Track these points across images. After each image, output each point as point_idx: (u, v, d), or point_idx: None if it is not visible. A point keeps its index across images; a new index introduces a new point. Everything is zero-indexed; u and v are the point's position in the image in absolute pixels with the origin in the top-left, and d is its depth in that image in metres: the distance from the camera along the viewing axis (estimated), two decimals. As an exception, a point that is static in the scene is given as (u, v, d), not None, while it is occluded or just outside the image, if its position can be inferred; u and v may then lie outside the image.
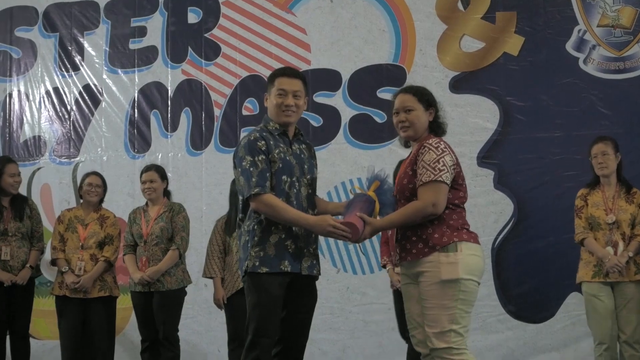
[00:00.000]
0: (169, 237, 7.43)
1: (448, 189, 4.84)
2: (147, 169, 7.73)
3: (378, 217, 5.04)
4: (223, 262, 7.33)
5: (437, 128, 5.16)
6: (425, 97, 5.16)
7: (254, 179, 4.91)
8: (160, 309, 7.35)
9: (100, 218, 7.75)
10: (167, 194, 7.73)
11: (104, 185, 7.87)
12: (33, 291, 7.91)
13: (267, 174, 4.96)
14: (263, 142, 5.03)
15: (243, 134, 9.34)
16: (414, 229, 4.90)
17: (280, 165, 5.03)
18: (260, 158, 4.96)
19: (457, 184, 4.93)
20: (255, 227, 4.98)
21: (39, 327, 9.31)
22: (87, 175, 7.92)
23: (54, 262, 7.60)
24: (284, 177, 5.03)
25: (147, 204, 7.70)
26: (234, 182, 6.24)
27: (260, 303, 4.93)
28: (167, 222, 7.43)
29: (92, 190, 7.74)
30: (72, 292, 7.45)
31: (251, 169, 4.93)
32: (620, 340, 6.81)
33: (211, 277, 7.38)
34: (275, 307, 4.94)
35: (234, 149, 5.09)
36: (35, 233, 7.93)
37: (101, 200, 7.89)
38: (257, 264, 4.94)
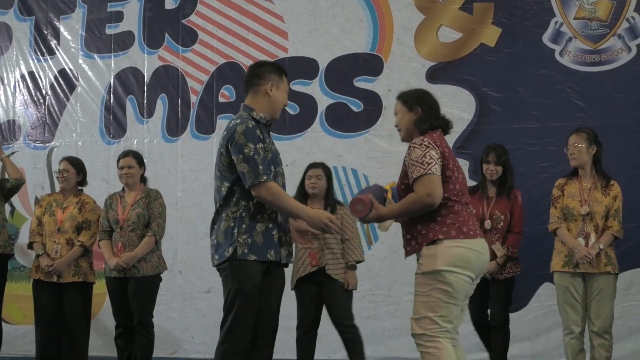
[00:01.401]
0: (145, 223, 7.38)
1: (440, 179, 4.97)
2: (125, 154, 7.65)
3: None
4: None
5: (422, 125, 5.24)
6: (406, 99, 5.32)
7: (260, 167, 4.94)
8: (135, 294, 7.32)
9: (79, 202, 7.67)
10: (144, 180, 7.69)
11: (77, 171, 7.75)
12: (5, 276, 7.86)
13: (267, 163, 5.02)
14: (259, 131, 5.08)
15: (219, 121, 9.35)
16: (407, 227, 5.12)
17: (270, 156, 5.11)
18: (260, 146, 5.00)
19: (446, 177, 5.02)
20: (244, 214, 5.00)
21: (12, 311, 9.27)
22: (60, 160, 7.87)
23: (30, 246, 7.54)
24: (272, 167, 5.10)
25: (123, 189, 7.64)
26: None
27: (243, 290, 4.97)
28: (144, 209, 7.38)
29: (60, 177, 7.69)
30: (46, 276, 7.39)
31: (255, 156, 4.95)
32: (590, 330, 6.87)
33: None
34: (256, 294, 5.01)
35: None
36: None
37: (80, 184, 7.80)
38: (245, 251, 4.97)
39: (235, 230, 4.99)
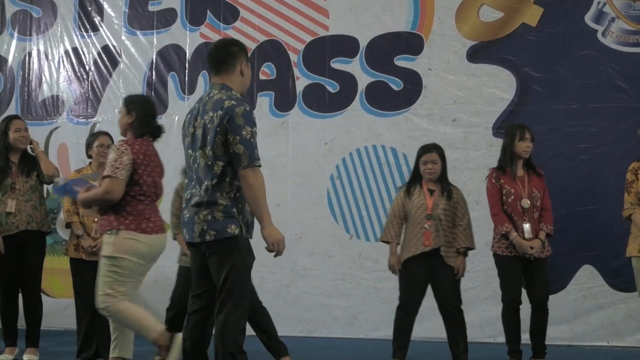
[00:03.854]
0: None
1: (123, 182, 5.82)
2: None
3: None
4: (401, 228, 7.22)
5: (136, 129, 6.04)
6: (127, 102, 6.16)
7: (256, 151, 5.04)
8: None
9: None
10: None
11: None
12: (44, 250, 7.94)
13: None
14: (253, 115, 5.15)
15: (260, 98, 9.39)
16: (101, 212, 5.99)
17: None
18: (255, 130, 5.09)
19: (134, 179, 5.85)
20: (238, 194, 5.09)
21: (54, 285, 9.41)
22: (95, 135, 7.74)
23: (68, 225, 7.54)
24: None
25: None
26: None
27: (248, 265, 5.17)
28: None
29: (104, 152, 7.47)
30: (89, 255, 7.38)
31: (252, 140, 5.03)
32: None
33: (387, 242, 7.24)
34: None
35: (228, 114, 5.02)
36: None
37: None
38: (245, 230, 5.10)
39: (234, 210, 5.06)
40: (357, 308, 8.89)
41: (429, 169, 7.10)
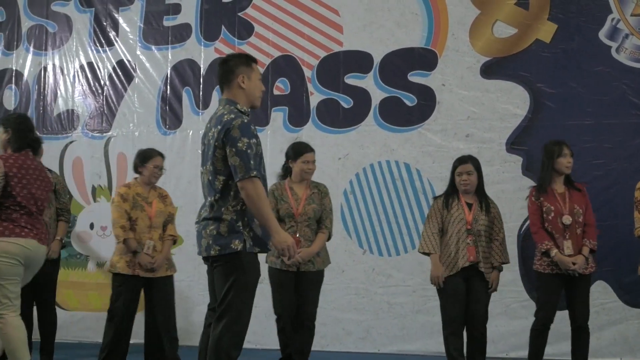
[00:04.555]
0: (318, 218, 7.31)
1: None
2: (311, 148, 7.47)
3: None
4: (439, 238, 7.14)
5: (13, 144, 6.28)
6: (3, 121, 6.43)
7: (252, 162, 5.03)
8: (309, 288, 7.24)
9: (159, 196, 7.67)
10: None
11: None
12: (59, 263, 7.97)
13: (258, 159, 5.13)
14: (253, 127, 5.19)
15: (274, 113, 9.42)
16: None
17: (261, 151, 5.25)
18: (253, 142, 5.10)
19: (7, 191, 6.09)
20: (244, 207, 5.10)
21: (68, 298, 9.46)
22: (149, 153, 7.72)
23: (124, 242, 7.48)
24: (262, 166, 5.24)
25: (283, 177, 7.49)
26: None
27: (251, 282, 5.14)
28: (318, 204, 7.31)
29: (158, 173, 7.65)
30: (146, 272, 7.38)
31: (248, 150, 5.04)
32: None
33: (427, 254, 7.20)
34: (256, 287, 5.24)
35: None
36: (63, 205, 7.98)
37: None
38: (251, 244, 5.10)
39: (239, 224, 5.08)
40: (370, 322, 8.90)
41: (464, 180, 7.08)
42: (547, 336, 7.00)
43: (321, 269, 7.32)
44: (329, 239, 7.39)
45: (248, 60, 5.43)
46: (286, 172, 7.44)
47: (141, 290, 7.51)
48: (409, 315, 8.90)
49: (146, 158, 7.61)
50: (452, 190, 7.19)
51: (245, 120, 5.12)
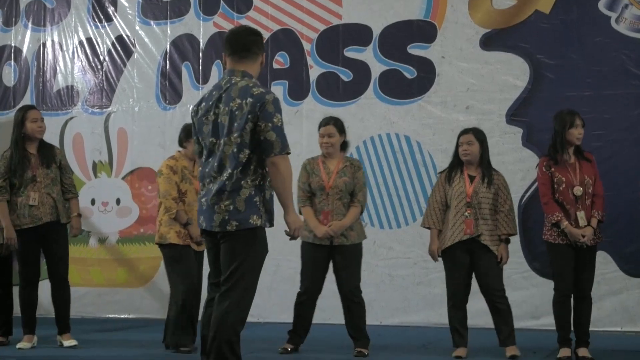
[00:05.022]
0: (350, 191, 7.27)
1: None
2: (326, 122, 7.45)
3: None
4: (443, 213, 7.19)
5: None
6: None
7: (286, 139, 5.02)
8: (344, 263, 7.25)
9: None
10: (344, 146, 7.54)
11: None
12: (67, 239, 8.00)
13: None
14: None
15: (273, 87, 9.42)
16: None
17: None
18: (282, 118, 5.08)
19: None
20: (262, 182, 5.07)
21: (70, 274, 9.47)
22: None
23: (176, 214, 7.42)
24: None
25: (324, 154, 7.46)
26: None
27: (263, 258, 5.14)
28: (350, 177, 7.26)
29: None
30: (198, 246, 7.34)
31: (282, 127, 5.02)
32: None
33: (428, 228, 7.26)
34: None
35: (259, 101, 5.01)
36: (70, 181, 7.99)
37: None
38: (265, 219, 5.09)
39: (257, 199, 5.04)
40: (371, 295, 8.90)
41: (464, 150, 7.10)
42: (570, 305, 6.99)
43: (356, 243, 7.30)
44: (361, 212, 7.35)
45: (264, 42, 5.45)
46: None
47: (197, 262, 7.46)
48: (410, 287, 8.94)
49: (191, 133, 7.55)
50: (456, 163, 7.21)
51: (276, 97, 5.08)
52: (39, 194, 7.64)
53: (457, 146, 7.19)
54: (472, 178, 7.09)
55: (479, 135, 7.17)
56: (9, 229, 7.61)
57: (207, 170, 5.14)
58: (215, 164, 5.09)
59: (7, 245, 7.71)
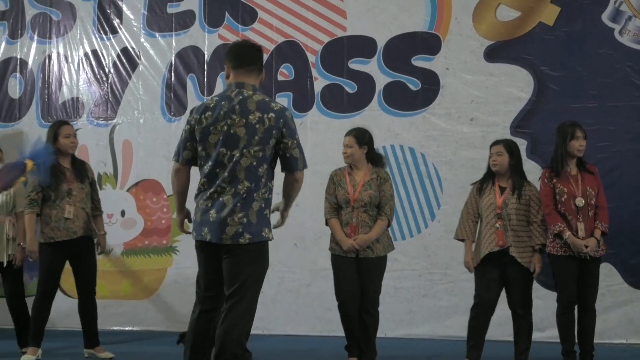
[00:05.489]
0: (376, 204, 7.24)
1: None
2: (347, 133, 7.45)
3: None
4: (475, 225, 7.23)
5: None
6: None
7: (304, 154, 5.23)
8: (368, 275, 7.23)
9: None
10: (371, 158, 7.45)
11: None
12: (95, 252, 8.03)
13: None
14: None
15: (278, 99, 9.42)
16: None
17: None
18: None
19: None
20: (269, 196, 5.18)
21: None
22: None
23: None
24: None
25: (350, 166, 7.43)
26: None
27: (266, 271, 5.26)
28: (376, 190, 7.24)
29: None
30: None
31: (300, 142, 5.22)
32: None
33: (462, 240, 7.29)
34: None
35: (282, 117, 5.07)
36: (98, 198, 8.10)
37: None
38: (271, 232, 5.20)
39: (266, 212, 5.15)
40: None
41: (493, 161, 7.13)
42: (573, 317, 7.02)
43: (382, 255, 7.28)
44: (388, 225, 7.33)
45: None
46: None
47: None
48: (415, 299, 8.94)
49: None
50: (489, 175, 7.25)
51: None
52: (74, 207, 7.72)
53: (490, 157, 7.23)
54: (502, 189, 7.11)
55: (510, 147, 7.19)
56: (32, 242, 7.71)
57: (215, 181, 5.13)
58: (226, 174, 5.09)
59: (22, 258, 7.81)
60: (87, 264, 7.85)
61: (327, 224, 7.36)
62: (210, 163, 5.15)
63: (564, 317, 7.03)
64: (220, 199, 5.10)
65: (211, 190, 5.13)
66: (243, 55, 5.29)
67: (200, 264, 5.31)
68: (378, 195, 7.22)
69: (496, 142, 7.26)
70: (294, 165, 5.14)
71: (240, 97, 5.14)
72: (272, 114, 5.09)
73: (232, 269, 5.10)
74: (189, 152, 5.26)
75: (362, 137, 7.37)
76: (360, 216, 7.19)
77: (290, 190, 5.24)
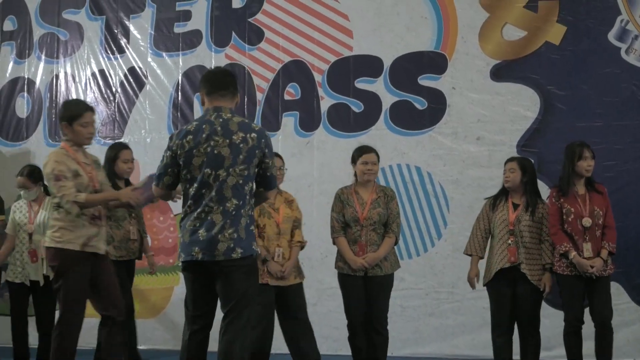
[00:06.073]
0: (384, 222, 7.25)
1: None
2: (369, 149, 7.41)
3: None
4: (485, 241, 7.25)
5: None
6: None
7: None
8: (377, 293, 7.23)
9: (285, 201, 7.37)
10: None
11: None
12: (132, 278, 8.10)
13: None
14: None
15: (285, 118, 9.46)
16: None
17: None
18: None
19: None
20: (252, 212, 5.38)
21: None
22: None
23: None
24: None
25: (356, 183, 7.43)
26: None
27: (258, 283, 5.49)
28: (384, 208, 7.25)
29: (281, 174, 7.29)
30: (276, 280, 7.12)
31: None
32: None
33: (470, 255, 7.30)
34: None
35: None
36: (143, 220, 8.23)
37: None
38: (257, 246, 5.39)
39: (252, 227, 5.31)
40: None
41: (506, 177, 7.18)
42: (580, 336, 7.00)
43: (389, 274, 7.27)
44: (396, 243, 7.34)
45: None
46: (356, 176, 7.45)
47: (273, 296, 7.24)
48: (422, 318, 8.92)
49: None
50: (502, 191, 7.28)
51: None
52: (135, 228, 7.77)
53: (503, 173, 7.25)
54: (515, 206, 7.11)
55: (523, 164, 7.23)
56: None
57: (202, 201, 5.24)
58: (214, 194, 5.22)
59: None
60: (131, 284, 8.00)
61: (334, 243, 7.36)
62: (195, 185, 5.27)
63: (570, 336, 7.02)
64: (209, 218, 5.21)
65: (198, 210, 5.25)
66: (216, 81, 5.50)
67: (188, 285, 5.42)
68: (386, 213, 7.23)
69: (510, 159, 7.31)
70: (272, 184, 5.48)
71: (221, 119, 5.32)
72: (254, 134, 5.29)
73: (226, 286, 5.21)
74: (170, 178, 5.42)
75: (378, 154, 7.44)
76: (369, 234, 7.18)
77: (258, 205, 5.57)
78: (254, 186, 5.38)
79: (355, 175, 7.43)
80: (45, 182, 7.00)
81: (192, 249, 5.22)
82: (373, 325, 7.23)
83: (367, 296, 7.22)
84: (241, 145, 5.22)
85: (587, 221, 6.93)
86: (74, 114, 6.42)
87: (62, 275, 6.32)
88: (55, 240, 6.34)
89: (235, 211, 5.19)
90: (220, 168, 5.21)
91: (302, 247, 7.35)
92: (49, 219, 6.80)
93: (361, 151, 7.39)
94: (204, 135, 5.26)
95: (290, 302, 7.20)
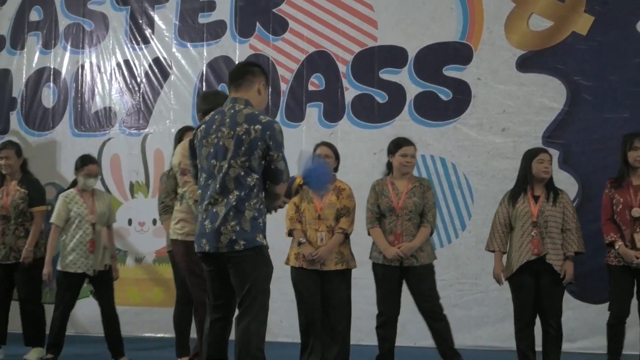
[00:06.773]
0: (420, 212, 7.21)
1: None
2: (407, 142, 7.38)
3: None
4: (506, 236, 7.19)
5: None
6: None
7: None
8: (416, 283, 7.22)
9: (335, 189, 7.38)
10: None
11: (334, 156, 7.54)
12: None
13: None
14: None
15: (309, 109, 9.45)
16: None
17: None
18: None
19: None
20: (261, 206, 5.30)
21: (130, 294, 9.62)
22: (317, 146, 7.62)
23: (290, 233, 7.38)
24: None
25: (388, 175, 7.43)
26: None
27: (270, 274, 5.38)
28: (420, 197, 7.21)
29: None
30: (309, 264, 7.22)
31: (285, 156, 5.35)
32: None
33: (492, 251, 7.25)
34: None
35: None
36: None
37: (335, 169, 7.53)
38: (265, 239, 5.30)
39: (259, 221, 5.25)
40: (406, 316, 8.81)
41: (546, 168, 7.05)
42: (624, 329, 6.95)
43: (427, 263, 7.23)
44: (431, 233, 7.31)
45: (266, 74, 5.66)
46: (389, 168, 7.42)
47: (318, 283, 7.30)
48: (446, 309, 8.80)
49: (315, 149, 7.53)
50: (520, 184, 7.16)
51: (280, 126, 5.37)
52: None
53: (526, 166, 7.11)
54: (536, 198, 7.04)
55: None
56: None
57: (208, 192, 5.30)
58: (217, 186, 5.26)
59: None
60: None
61: (369, 233, 7.34)
62: (204, 175, 5.37)
63: (612, 328, 6.98)
64: (214, 209, 5.26)
65: (205, 202, 5.31)
66: (232, 73, 5.56)
67: (206, 275, 5.50)
68: (422, 202, 7.20)
69: (544, 150, 7.20)
70: (278, 177, 5.31)
71: (232, 111, 5.33)
72: (258, 126, 5.23)
73: (237, 277, 5.26)
74: (194, 169, 5.55)
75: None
76: (405, 224, 7.16)
77: (269, 202, 5.38)
78: (263, 181, 5.32)
79: (389, 166, 7.41)
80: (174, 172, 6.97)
81: (201, 240, 5.31)
82: (429, 316, 7.25)
83: (409, 289, 7.23)
84: (244, 137, 5.20)
85: (636, 211, 6.88)
86: (210, 107, 6.16)
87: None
88: (177, 232, 6.64)
89: (237, 203, 5.19)
90: (223, 159, 5.25)
91: (346, 236, 7.33)
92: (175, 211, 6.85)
93: (400, 143, 7.37)
94: (213, 126, 5.33)
95: (325, 288, 7.27)
